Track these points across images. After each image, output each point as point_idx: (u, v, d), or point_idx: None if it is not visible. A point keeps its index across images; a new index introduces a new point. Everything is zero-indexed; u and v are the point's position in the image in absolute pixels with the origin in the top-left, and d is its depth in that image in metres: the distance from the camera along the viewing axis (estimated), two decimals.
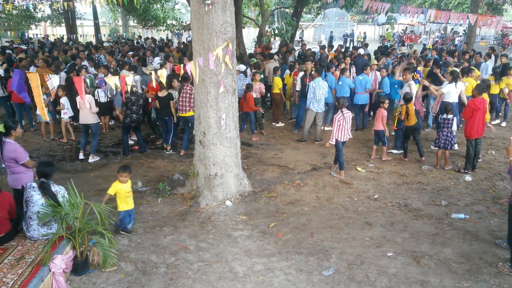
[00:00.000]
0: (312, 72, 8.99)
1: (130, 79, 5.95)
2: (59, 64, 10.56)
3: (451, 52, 14.68)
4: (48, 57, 12.31)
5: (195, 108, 6.26)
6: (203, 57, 5.64)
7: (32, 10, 26.57)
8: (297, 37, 26.21)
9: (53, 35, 25.75)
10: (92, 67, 10.86)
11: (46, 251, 4.05)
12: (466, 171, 7.21)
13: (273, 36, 15.72)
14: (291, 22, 14.34)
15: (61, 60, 12.18)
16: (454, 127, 7.31)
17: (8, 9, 15.29)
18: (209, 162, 6.13)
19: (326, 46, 16.62)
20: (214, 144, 6.08)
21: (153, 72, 5.94)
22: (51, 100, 9.09)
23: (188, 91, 7.80)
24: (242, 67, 9.87)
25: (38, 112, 5.94)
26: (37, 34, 27.81)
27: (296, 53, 15.52)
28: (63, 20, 27.26)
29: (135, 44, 20.08)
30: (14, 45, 18.93)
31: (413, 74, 8.85)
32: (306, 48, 15.80)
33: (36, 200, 4.42)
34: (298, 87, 9.65)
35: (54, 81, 5.50)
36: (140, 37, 25.58)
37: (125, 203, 5.06)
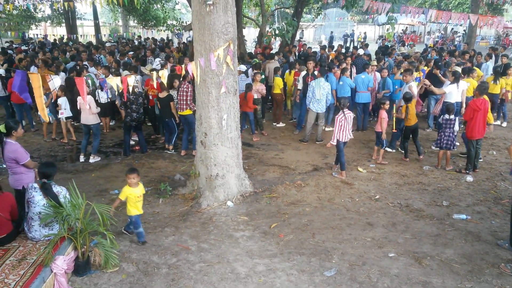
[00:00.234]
0: (315, 73, 8.98)
1: (132, 79, 5.94)
2: (59, 64, 10.55)
3: (452, 52, 14.68)
4: (48, 58, 12.29)
5: (197, 109, 6.26)
6: (205, 58, 5.63)
7: (33, 10, 26.58)
8: (297, 37, 26.19)
9: (53, 35, 25.72)
10: (92, 67, 10.85)
11: (47, 252, 4.04)
12: (467, 171, 7.20)
13: (273, 36, 15.71)
14: (292, 22, 14.32)
15: (61, 60, 12.16)
16: (456, 128, 7.31)
17: (8, 9, 15.27)
18: (211, 162, 6.13)
19: (327, 47, 16.61)
20: (215, 144, 6.07)
21: (154, 72, 5.94)
22: (52, 100, 9.08)
23: (185, 89, 7.80)
24: (243, 67, 9.86)
25: (39, 113, 5.91)
26: (37, 34, 27.78)
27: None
28: (63, 20, 27.26)
29: (137, 44, 20.07)
30: (14, 45, 18.92)
31: (415, 74, 8.84)
32: (307, 48, 15.78)
33: (38, 201, 4.41)
34: (300, 87, 9.64)
35: (56, 81, 5.48)
36: (140, 37, 25.54)
37: (136, 208, 4.88)
